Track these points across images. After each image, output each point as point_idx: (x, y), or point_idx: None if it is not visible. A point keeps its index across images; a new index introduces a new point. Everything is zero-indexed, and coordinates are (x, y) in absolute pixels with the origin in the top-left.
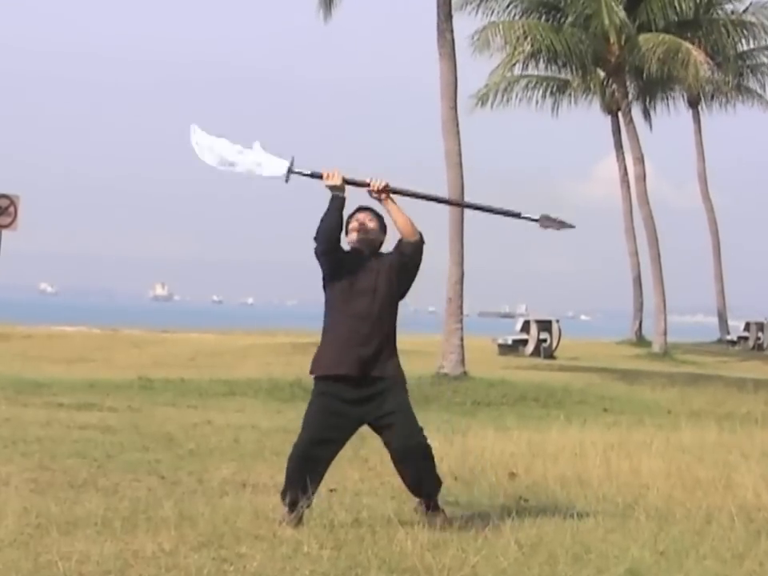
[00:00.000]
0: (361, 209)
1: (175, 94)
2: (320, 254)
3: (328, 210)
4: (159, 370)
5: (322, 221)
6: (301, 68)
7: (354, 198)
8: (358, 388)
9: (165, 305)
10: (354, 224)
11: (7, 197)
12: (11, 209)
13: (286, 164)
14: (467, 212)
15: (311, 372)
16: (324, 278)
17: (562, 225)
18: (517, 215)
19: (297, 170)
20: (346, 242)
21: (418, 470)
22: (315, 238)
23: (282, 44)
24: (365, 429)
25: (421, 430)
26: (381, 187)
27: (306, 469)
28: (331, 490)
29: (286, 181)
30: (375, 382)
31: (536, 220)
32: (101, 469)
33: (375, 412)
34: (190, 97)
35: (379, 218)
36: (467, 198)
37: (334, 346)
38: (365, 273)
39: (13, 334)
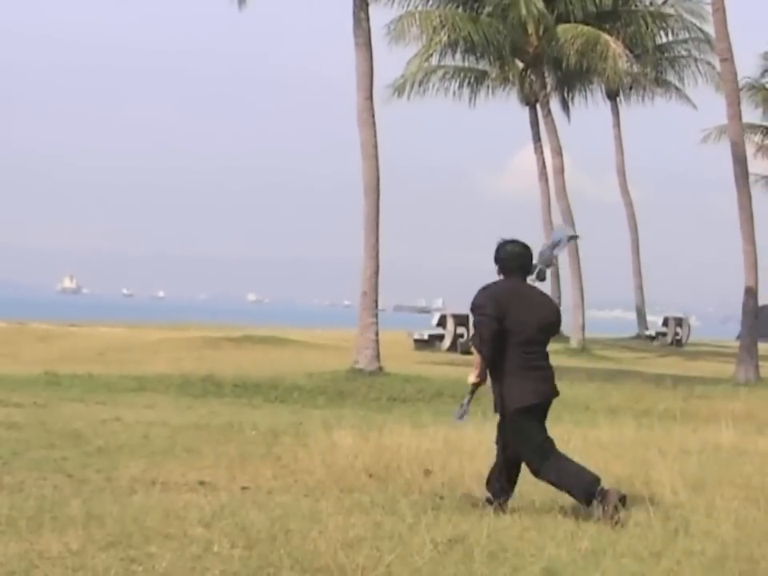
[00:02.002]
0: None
1: (93, 77)
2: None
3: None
4: (67, 364)
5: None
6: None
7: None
8: None
9: (73, 298)
10: None
11: None
12: None
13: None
14: (382, 205)
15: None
16: None
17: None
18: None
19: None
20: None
21: None
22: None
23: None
24: (279, 426)
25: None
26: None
27: None
28: (243, 488)
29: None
30: None
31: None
32: (6, 466)
33: None
34: (109, 80)
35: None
36: (381, 190)
37: None
38: None
39: None
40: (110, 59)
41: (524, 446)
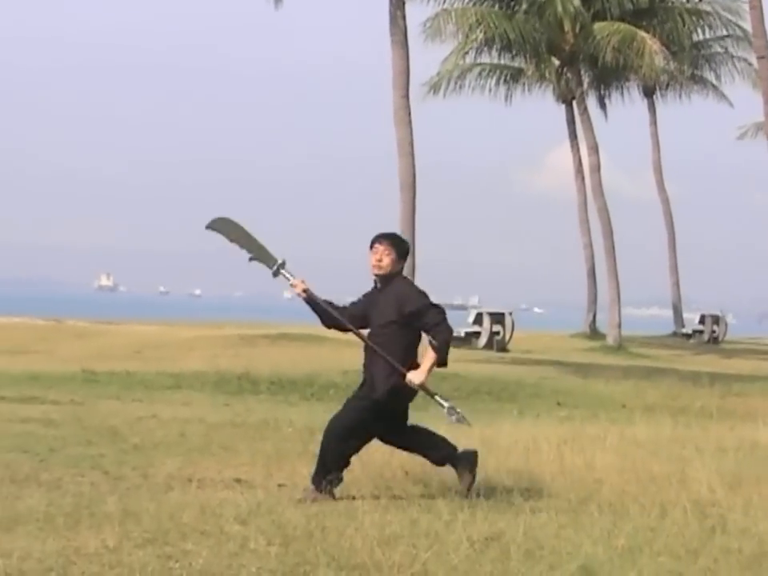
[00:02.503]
0: (380, 238)
1: (119, 78)
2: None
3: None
4: (104, 362)
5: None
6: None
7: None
8: None
9: (110, 295)
10: (372, 258)
11: None
12: None
13: (277, 262)
14: (419, 202)
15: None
16: None
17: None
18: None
19: (283, 272)
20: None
21: None
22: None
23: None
24: (315, 423)
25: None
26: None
27: None
28: (280, 486)
29: (274, 276)
30: None
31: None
32: (43, 463)
33: None
34: (130, 80)
35: (396, 246)
36: (418, 187)
37: None
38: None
39: None
40: (133, 57)
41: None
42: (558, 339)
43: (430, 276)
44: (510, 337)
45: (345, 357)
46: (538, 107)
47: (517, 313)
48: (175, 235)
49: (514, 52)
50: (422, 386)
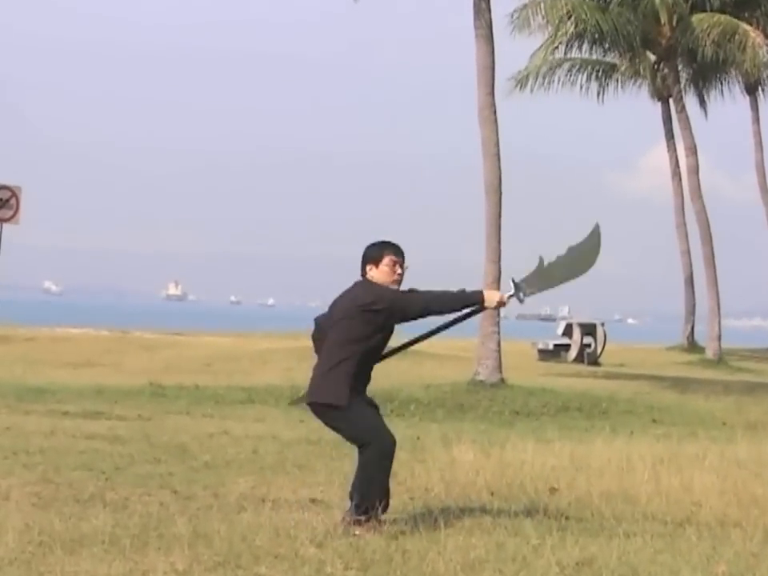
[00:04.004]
0: (399, 251)
1: (185, 87)
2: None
3: (461, 307)
4: (172, 375)
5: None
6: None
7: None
8: None
9: (178, 305)
10: (397, 270)
11: (8, 188)
12: (12, 201)
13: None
14: (505, 205)
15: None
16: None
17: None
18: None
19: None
20: (378, 277)
21: None
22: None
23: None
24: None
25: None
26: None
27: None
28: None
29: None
30: None
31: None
32: (109, 482)
33: None
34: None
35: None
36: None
37: None
38: None
39: (14, 337)
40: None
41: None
42: (654, 352)
43: None
44: (602, 349)
45: (426, 370)
46: (632, 105)
47: (609, 324)
48: (249, 239)
49: (606, 46)
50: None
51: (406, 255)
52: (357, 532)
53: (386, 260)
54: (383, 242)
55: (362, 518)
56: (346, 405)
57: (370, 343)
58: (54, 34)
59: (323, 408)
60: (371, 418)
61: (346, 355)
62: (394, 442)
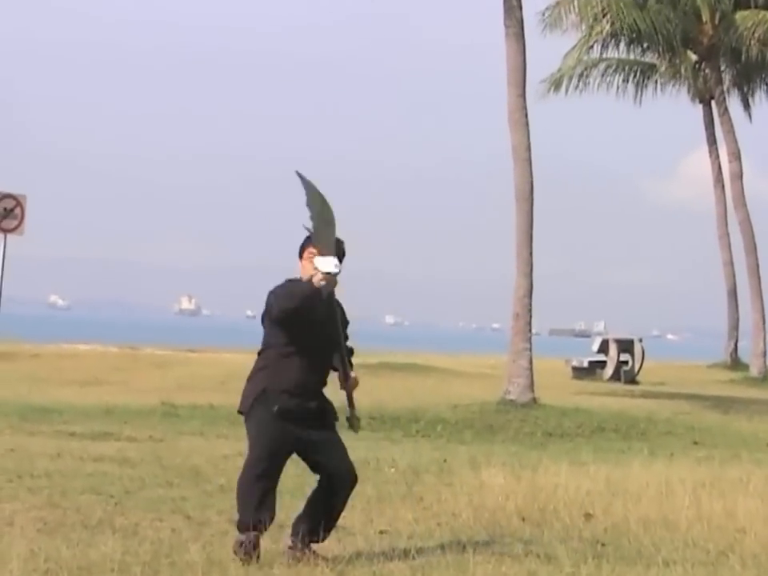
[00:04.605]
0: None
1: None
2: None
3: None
4: (185, 394)
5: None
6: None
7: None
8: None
9: (192, 320)
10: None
11: (13, 197)
12: (17, 210)
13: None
14: (537, 214)
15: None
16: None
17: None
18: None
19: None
20: (301, 273)
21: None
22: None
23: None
24: (420, 463)
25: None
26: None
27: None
28: (381, 532)
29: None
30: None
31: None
32: (118, 507)
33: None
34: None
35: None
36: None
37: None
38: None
39: (19, 353)
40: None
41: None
42: (695, 370)
43: (547, 297)
44: (640, 367)
45: (453, 389)
46: (672, 108)
47: (647, 340)
48: (266, 252)
49: (644, 46)
50: None
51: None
52: (236, 550)
53: (306, 253)
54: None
55: (242, 538)
56: (246, 411)
57: (286, 350)
58: (55, 38)
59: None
60: (262, 431)
61: (260, 364)
62: (268, 459)
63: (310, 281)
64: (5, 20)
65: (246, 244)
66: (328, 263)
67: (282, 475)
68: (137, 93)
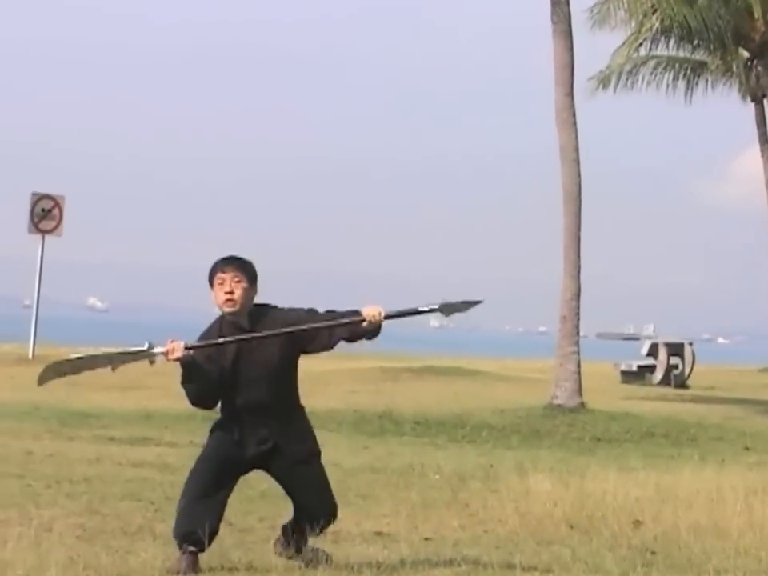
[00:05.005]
0: (228, 263)
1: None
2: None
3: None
4: None
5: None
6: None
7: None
8: None
9: None
10: (225, 288)
11: (51, 197)
12: (55, 211)
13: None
14: (585, 215)
15: None
16: None
17: (467, 305)
18: (416, 312)
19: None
20: (214, 302)
21: None
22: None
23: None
24: (466, 469)
25: None
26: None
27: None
28: (426, 540)
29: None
30: None
31: (437, 310)
32: (158, 513)
33: None
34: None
35: (247, 271)
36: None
37: None
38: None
39: (57, 357)
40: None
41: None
42: (746, 374)
43: (595, 300)
44: (690, 371)
45: (499, 393)
46: (723, 106)
47: (698, 343)
48: (306, 253)
49: (694, 42)
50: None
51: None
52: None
53: (215, 279)
54: (217, 260)
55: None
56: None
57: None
58: (71, 37)
59: None
60: (206, 454)
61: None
62: (201, 481)
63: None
64: (41, 22)
65: (286, 246)
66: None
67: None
68: (175, 93)
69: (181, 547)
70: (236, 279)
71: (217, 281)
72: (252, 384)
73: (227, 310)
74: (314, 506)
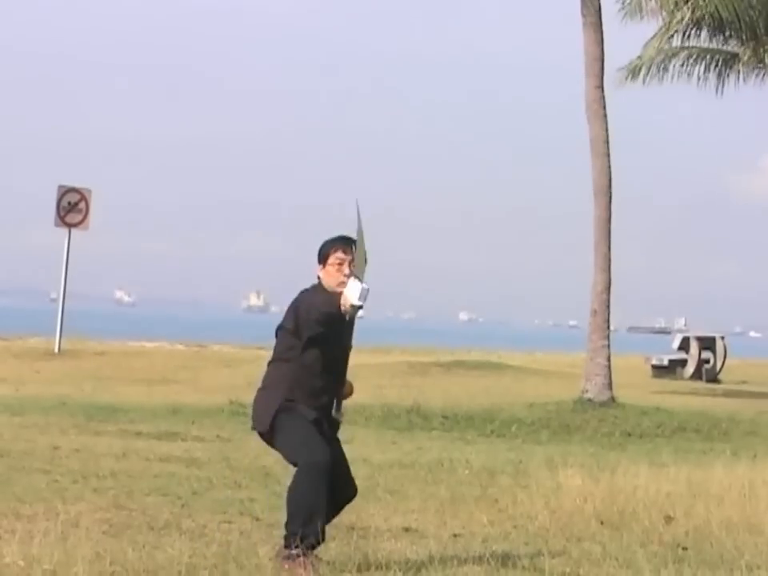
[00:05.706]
0: (350, 248)
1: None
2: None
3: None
4: (254, 393)
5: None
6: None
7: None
8: None
9: (260, 317)
10: (344, 271)
11: (77, 191)
12: (82, 205)
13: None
14: (615, 206)
15: None
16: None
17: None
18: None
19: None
20: (325, 279)
21: None
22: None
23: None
24: (495, 464)
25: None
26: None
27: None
28: (455, 536)
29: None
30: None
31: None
32: (185, 508)
33: None
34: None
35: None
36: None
37: None
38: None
39: (84, 351)
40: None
41: None
42: None
43: (627, 294)
44: (722, 365)
45: (529, 387)
46: (756, 98)
47: (730, 337)
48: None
49: (726, 34)
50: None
51: None
52: (286, 566)
53: (332, 258)
54: (335, 238)
55: (294, 551)
56: (268, 428)
57: (305, 360)
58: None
59: (262, 436)
60: (300, 434)
61: (276, 377)
62: (324, 459)
63: (338, 300)
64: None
65: (314, 238)
66: (355, 293)
67: (353, 476)
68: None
69: (301, 544)
70: (350, 263)
71: (336, 260)
72: (338, 360)
73: (339, 290)
74: (351, 486)
